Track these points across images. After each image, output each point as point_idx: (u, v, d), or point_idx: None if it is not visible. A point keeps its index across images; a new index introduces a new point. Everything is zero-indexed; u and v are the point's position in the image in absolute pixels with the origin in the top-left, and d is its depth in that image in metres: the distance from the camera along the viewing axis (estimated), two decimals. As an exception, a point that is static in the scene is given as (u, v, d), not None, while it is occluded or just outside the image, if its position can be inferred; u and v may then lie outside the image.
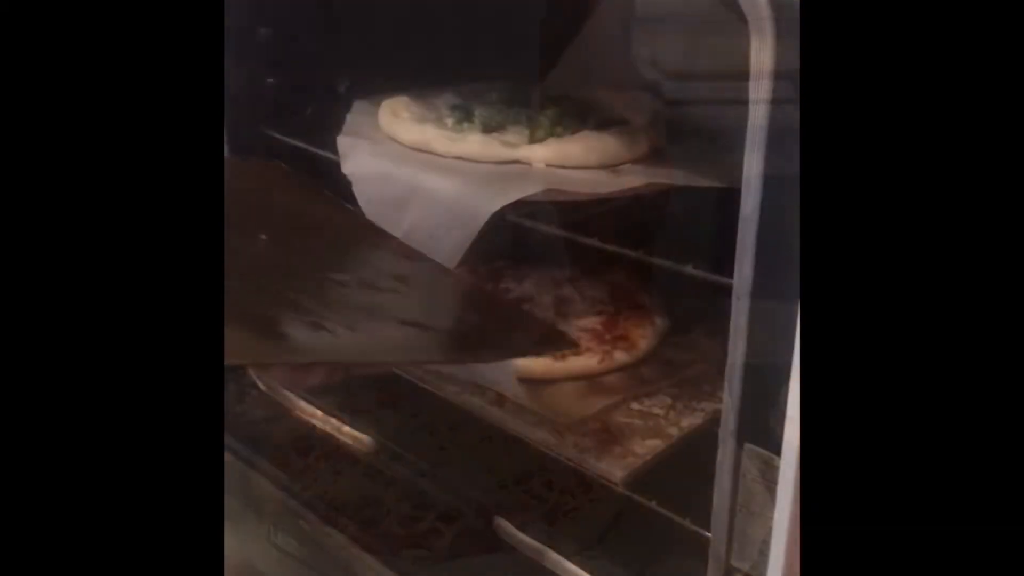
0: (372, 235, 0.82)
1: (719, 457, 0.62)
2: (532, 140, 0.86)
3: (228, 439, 0.94)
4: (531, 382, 0.84)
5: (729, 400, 0.60)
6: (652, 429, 0.80)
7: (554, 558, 0.78)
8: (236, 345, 0.62)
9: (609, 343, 0.90)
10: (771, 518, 0.60)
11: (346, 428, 0.93)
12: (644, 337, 0.91)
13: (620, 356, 0.88)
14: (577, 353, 0.87)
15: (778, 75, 0.53)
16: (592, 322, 0.94)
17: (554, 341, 0.83)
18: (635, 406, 0.84)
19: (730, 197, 0.59)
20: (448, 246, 0.76)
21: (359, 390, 0.99)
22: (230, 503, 0.95)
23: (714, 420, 0.77)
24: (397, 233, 0.80)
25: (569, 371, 0.86)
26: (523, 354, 0.82)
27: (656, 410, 0.83)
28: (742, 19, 0.54)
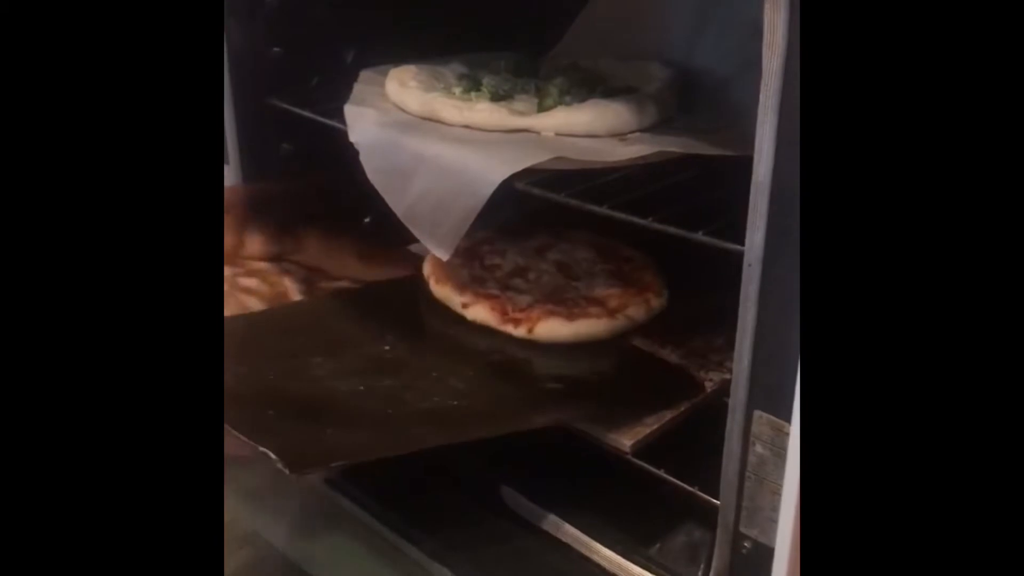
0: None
1: (728, 424, 0.62)
2: (541, 109, 0.85)
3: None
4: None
5: (739, 367, 0.60)
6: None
7: (560, 526, 0.78)
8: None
9: (636, 294, 0.93)
10: (780, 485, 0.60)
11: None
12: (663, 286, 0.95)
13: (654, 302, 0.93)
14: (623, 307, 0.91)
15: (792, 41, 0.53)
16: (610, 280, 0.96)
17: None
18: (643, 376, 0.84)
19: (739, 166, 0.59)
20: (456, 215, 0.75)
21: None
22: (238, 472, 0.95)
23: (722, 390, 0.77)
24: (404, 202, 0.79)
25: (624, 326, 0.90)
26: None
27: (664, 380, 0.83)
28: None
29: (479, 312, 0.91)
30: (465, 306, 0.92)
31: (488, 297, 0.93)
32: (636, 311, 0.90)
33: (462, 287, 0.95)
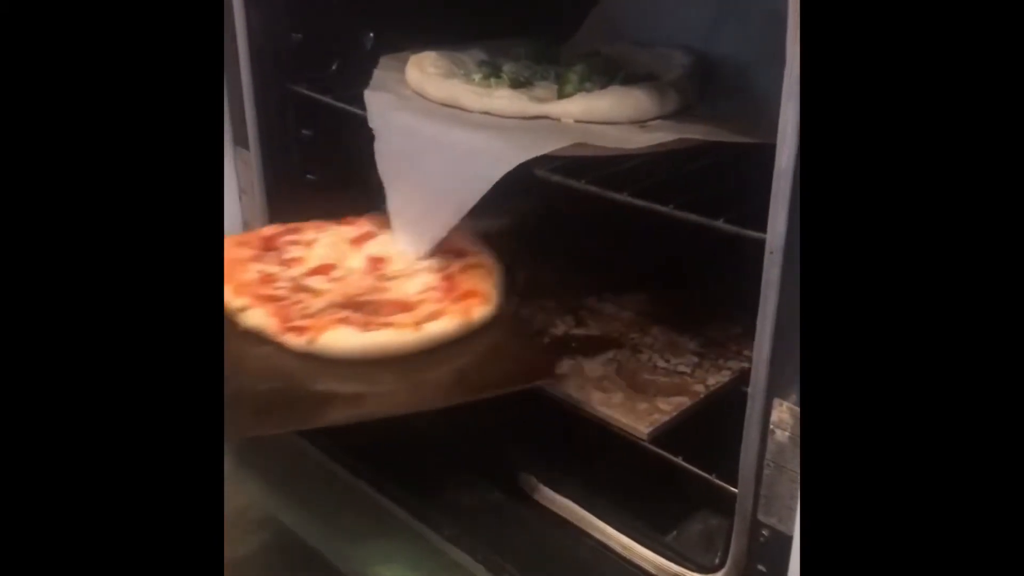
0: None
1: (748, 412, 0.62)
2: (561, 95, 0.85)
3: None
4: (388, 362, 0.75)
5: (759, 354, 0.60)
6: (678, 386, 0.80)
7: (578, 513, 0.78)
8: None
9: (457, 299, 0.79)
10: (799, 473, 0.60)
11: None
12: (495, 287, 0.82)
13: (476, 312, 0.78)
14: (438, 315, 0.77)
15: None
16: (430, 280, 0.82)
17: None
18: (660, 363, 0.84)
19: (760, 153, 0.58)
20: (464, 194, 0.75)
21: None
22: (256, 457, 0.96)
23: (741, 378, 0.77)
24: (401, 193, 0.80)
25: (432, 338, 0.75)
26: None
27: (682, 368, 0.83)
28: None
29: (256, 317, 0.77)
30: (242, 310, 0.78)
31: (271, 300, 0.79)
32: (450, 322, 0.75)
33: (242, 287, 0.80)
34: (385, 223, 0.90)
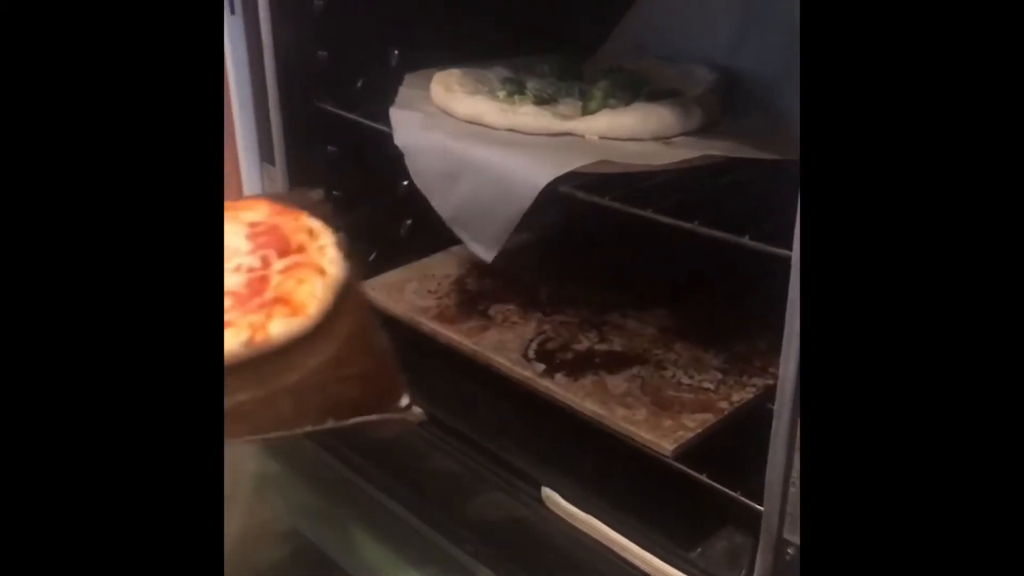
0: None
1: (773, 429, 0.62)
2: (585, 112, 0.86)
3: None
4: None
5: (785, 372, 0.60)
6: (702, 403, 0.80)
7: (601, 529, 0.78)
8: None
9: (260, 308, 0.64)
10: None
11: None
12: (313, 296, 0.65)
13: (280, 327, 0.63)
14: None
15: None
16: (234, 281, 0.67)
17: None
18: (684, 380, 0.84)
19: (785, 169, 0.58)
20: (501, 217, 0.76)
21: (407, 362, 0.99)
22: (280, 470, 0.96)
23: (766, 395, 0.77)
24: (450, 204, 0.80)
25: None
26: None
27: (707, 384, 0.83)
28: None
29: None
30: None
31: None
32: (234, 338, 0.60)
33: None
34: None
